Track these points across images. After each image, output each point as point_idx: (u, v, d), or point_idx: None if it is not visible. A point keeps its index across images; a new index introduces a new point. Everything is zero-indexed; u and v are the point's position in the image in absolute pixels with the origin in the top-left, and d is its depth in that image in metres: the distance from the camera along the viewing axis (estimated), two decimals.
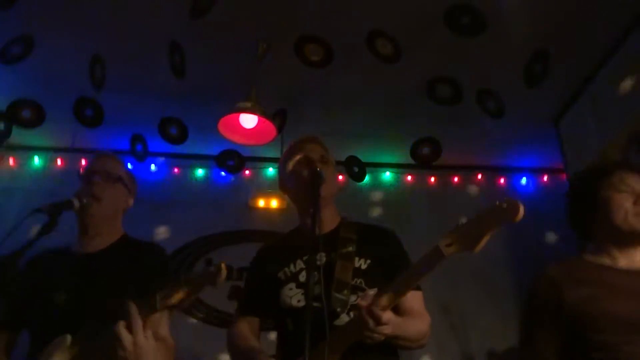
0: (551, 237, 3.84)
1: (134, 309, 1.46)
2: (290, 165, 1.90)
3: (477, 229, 1.30)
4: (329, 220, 1.86)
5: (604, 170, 1.72)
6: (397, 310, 1.62)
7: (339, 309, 1.60)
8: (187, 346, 3.50)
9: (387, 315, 1.41)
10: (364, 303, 1.43)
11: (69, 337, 1.61)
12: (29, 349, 1.77)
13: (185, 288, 1.44)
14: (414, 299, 1.70)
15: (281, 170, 1.98)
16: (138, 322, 1.45)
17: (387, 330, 1.42)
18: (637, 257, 1.63)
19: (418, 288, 1.75)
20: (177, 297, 1.44)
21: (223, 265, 1.39)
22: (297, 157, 1.88)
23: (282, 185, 1.98)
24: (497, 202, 1.27)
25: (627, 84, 3.09)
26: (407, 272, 1.45)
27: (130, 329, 1.44)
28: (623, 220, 1.61)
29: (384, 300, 1.41)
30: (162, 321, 1.73)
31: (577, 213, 1.77)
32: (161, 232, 4.07)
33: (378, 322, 1.39)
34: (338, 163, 2.39)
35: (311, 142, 1.94)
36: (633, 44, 3.02)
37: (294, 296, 1.71)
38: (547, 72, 3.23)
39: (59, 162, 4.49)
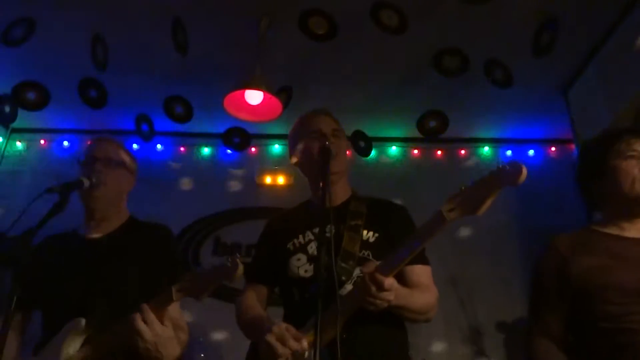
0: (559, 208, 3.82)
1: (146, 308, 1.49)
2: (302, 138, 1.88)
3: (480, 192, 1.28)
4: (340, 193, 1.86)
5: (611, 138, 1.68)
6: (404, 283, 1.63)
7: (343, 278, 1.61)
8: (196, 321, 3.55)
9: (390, 281, 1.41)
10: (366, 269, 1.44)
11: (83, 321, 1.63)
12: (42, 331, 1.79)
13: (202, 282, 1.45)
14: (422, 273, 1.71)
15: (291, 143, 1.96)
16: (151, 315, 1.48)
17: (389, 296, 1.42)
18: None
19: (426, 263, 1.75)
20: (194, 289, 1.46)
21: (239, 261, 1.40)
22: (309, 130, 1.86)
23: (295, 156, 1.95)
24: (500, 165, 1.25)
25: None
26: (410, 238, 1.44)
27: (146, 321, 1.48)
28: (630, 188, 1.58)
29: (387, 266, 1.42)
30: (174, 304, 1.75)
31: (585, 183, 1.74)
32: (168, 211, 4.09)
33: (380, 287, 1.39)
34: None
35: (323, 115, 1.92)
36: None
37: (301, 266, 1.73)
38: (555, 41, 3.17)
39: (65, 143, 4.50)
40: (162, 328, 1.49)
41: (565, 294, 1.58)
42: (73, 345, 1.61)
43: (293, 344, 1.44)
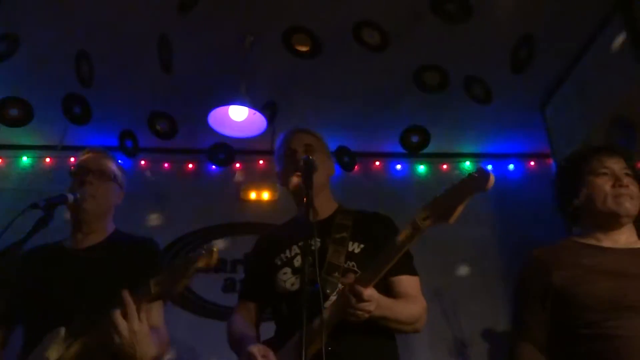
0: (539, 220, 3.90)
1: (127, 296, 1.48)
2: (279, 159, 1.95)
3: (451, 200, 1.33)
4: (324, 207, 1.87)
5: (584, 157, 1.77)
6: (392, 294, 1.65)
7: (328, 291, 1.62)
8: (182, 340, 3.52)
9: (369, 292, 1.43)
10: (345, 281, 1.46)
11: (62, 330, 1.62)
12: (22, 344, 1.77)
13: (179, 272, 1.45)
14: (409, 284, 1.72)
15: (276, 164, 2.02)
16: (132, 308, 1.47)
17: (370, 307, 1.44)
18: (621, 238, 1.68)
19: (414, 273, 1.77)
20: (171, 281, 1.46)
21: (215, 248, 1.42)
22: (283, 149, 1.93)
23: (278, 177, 2.01)
24: (469, 173, 1.31)
25: (618, 42, 3.07)
26: (386, 248, 1.46)
27: (125, 316, 1.47)
28: (602, 203, 1.65)
29: (366, 277, 1.44)
30: (156, 312, 1.75)
31: (562, 200, 1.83)
32: (153, 227, 4.07)
33: (359, 298, 1.41)
34: None
35: (296, 133, 1.95)
36: (615, 29, 3.06)
37: (288, 280, 1.74)
38: (533, 58, 3.27)
39: (47, 160, 4.46)
40: (140, 325, 1.48)
41: (547, 301, 1.63)
42: (55, 354, 1.60)
43: None
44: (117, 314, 1.47)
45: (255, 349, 1.53)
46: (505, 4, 2.95)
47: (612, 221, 1.67)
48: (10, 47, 3.15)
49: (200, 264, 1.42)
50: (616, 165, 1.69)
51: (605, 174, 1.69)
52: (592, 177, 1.70)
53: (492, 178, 1.25)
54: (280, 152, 1.94)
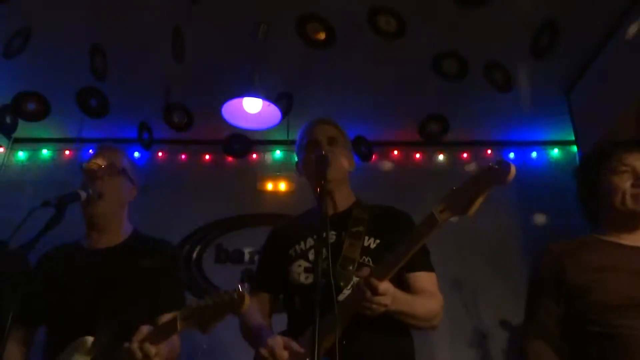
0: (562, 209, 3.80)
1: (146, 331, 1.49)
2: (301, 149, 1.93)
3: (470, 193, 1.27)
4: (342, 200, 1.87)
5: (604, 153, 1.73)
6: (409, 291, 1.63)
7: (342, 284, 1.61)
8: (196, 333, 3.53)
9: (384, 286, 1.40)
10: (361, 274, 1.44)
11: (89, 340, 1.62)
12: (45, 344, 1.79)
13: (208, 314, 1.43)
14: (426, 280, 1.71)
15: (297, 154, 2.01)
16: (148, 347, 1.47)
17: (385, 301, 1.41)
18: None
19: (431, 270, 1.75)
20: (199, 321, 1.44)
21: (246, 293, 1.38)
22: (306, 140, 1.91)
23: (298, 167, 1.99)
24: (490, 164, 1.24)
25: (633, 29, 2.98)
26: (403, 241, 1.43)
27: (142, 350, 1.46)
28: (621, 202, 1.62)
29: (381, 270, 1.41)
30: None
31: (583, 197, 1.80)
32: (170, 219, 4.07)
33: (375, 291, 1.39)
34: None
35: (321, 124, 1.94)
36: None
37: (302, 273, 1.73)
38: (556, 43, 3.15)
39: (67, 153, 4.51)
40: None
41: (561, 296, 1.61)
42: None
43: (281, 356, 1.46)
44: (135, 347, 1.47)
45: (278, 339, 1.51)
46: None
47: (630, 221, 1.64)
48: (23, 42, 3.15)
49: (231, 309, 1.39)
50: (638, 162, 1.64)
51: (625, 171, 1.64)
52: (612, 175, 1.66)
53: (513, 170, 1.18)
54: (303, 143, 1.92)
